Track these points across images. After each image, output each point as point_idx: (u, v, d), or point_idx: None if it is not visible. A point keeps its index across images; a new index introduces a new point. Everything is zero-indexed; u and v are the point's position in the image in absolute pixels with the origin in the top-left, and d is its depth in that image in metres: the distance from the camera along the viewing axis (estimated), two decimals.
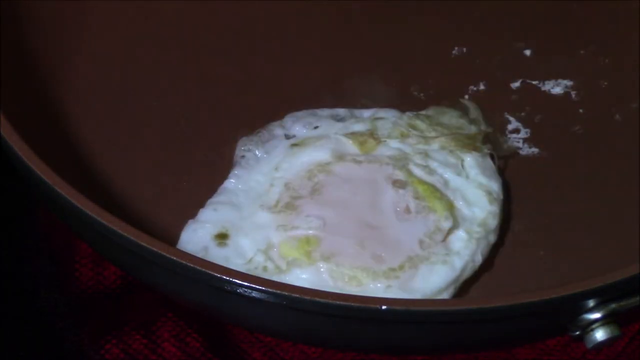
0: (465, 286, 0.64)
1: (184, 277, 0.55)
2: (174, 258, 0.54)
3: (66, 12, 0.76)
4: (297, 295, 0.52)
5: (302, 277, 0.61)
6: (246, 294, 0.53)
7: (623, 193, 0.69)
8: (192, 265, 0.53)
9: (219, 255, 0.62)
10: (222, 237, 0.64)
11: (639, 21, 0.78)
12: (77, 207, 0.56)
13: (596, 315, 0.54)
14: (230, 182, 0.67)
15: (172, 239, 0.64)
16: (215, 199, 0.66)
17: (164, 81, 0.75)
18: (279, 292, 0.53)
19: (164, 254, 0.55)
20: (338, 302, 0.52)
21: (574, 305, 0.54)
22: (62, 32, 0.76)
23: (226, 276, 0.53)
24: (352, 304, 0.52)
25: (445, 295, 0.62)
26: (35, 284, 0.70)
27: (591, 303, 0.54)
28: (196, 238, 0.64)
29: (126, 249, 0.56)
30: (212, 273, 0.53)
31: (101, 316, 0.68)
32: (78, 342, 0.67)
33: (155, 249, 0.55)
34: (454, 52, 0.78)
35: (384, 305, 0.52)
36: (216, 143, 0.70)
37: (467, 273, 0.63)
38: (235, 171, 0.68)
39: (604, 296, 0.54)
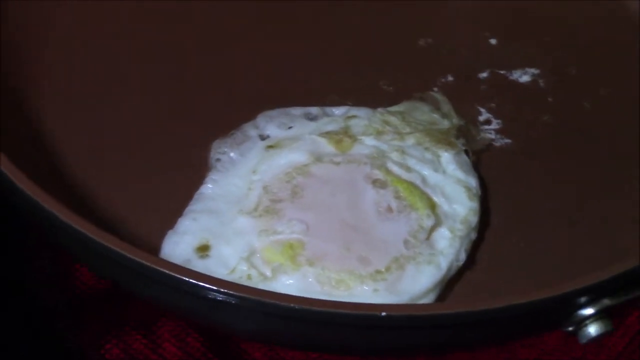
0: (449, 284, 0.64)
1: (158, 284, 0.55)
2: (149, 264, 0.54)
3: (36, 15, 0.75)
4: (266, 300, 0.53)
5: (288, 283, 0.60)
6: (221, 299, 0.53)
7: (595, 181, 0.70)
8: (166, 271, 0.53)
9: (201, 268, 0.60)
10: (203, 249, 0.63)
11: (606, 7, 0.79)
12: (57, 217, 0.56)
13: (589, 311, 0.55)
14: (208, 188, 0.66)
15: (152, 246, 0.63)
16: (193, 207, 0.65)
17: (135, 86, 0.73)
18: (248, 296, 0.53)
19: (142, 261, 0.54)
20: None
21: (567, 304, 0.54)
22: (32, 35, 0.74)
23: (207, 283, 0.53)
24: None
25: (432, 296, 0.62)
26: (35, 284, 0.69)
27: (584, 299, 0.55)
28: (178, 251, 0.63)
29: (103, 255, 0.55)
30: (184, 278, 0.53)
31: (101, 316, 0.67)
32: (78, 342, 0.67)
33: (134, 257, 0.54)
34: (420, 43, 0.77)
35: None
36: (191, 146, 0.69)
37: (452, 272, 0.63)
38: (212, 175, 0.67)
39: (597, 293, 0.54)
